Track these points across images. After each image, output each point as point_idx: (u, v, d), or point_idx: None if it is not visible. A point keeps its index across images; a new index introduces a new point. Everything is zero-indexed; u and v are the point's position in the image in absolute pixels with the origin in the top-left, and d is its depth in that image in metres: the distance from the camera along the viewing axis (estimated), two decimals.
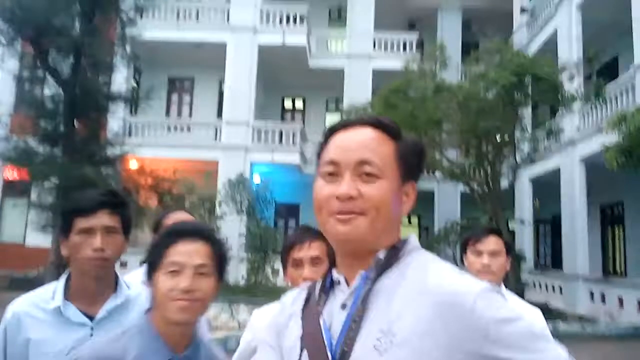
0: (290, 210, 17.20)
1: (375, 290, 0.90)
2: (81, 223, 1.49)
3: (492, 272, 2.05)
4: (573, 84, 9.55)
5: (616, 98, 10.20)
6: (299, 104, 19.03)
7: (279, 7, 16.08)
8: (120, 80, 13.13)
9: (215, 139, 15.44)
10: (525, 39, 14.60)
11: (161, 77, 16.86)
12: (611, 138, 9.83)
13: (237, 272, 10.62)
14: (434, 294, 0.85)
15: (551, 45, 12.83)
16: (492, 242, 2.12)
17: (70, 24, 10.27)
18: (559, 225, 12.98)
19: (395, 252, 0.94)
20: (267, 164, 14.85)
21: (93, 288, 1.53)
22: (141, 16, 11.84)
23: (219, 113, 16.78)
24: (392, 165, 0.94)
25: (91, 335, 1.47)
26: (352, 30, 17.15)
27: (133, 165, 12.60)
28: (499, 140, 9.62)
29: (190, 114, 17.67)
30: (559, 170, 12.47)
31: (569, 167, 12.04)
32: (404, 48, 16.94)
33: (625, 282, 11.11)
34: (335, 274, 0.98)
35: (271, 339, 1.04)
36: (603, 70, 12.28)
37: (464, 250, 2.18)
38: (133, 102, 15.27)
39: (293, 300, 1.05)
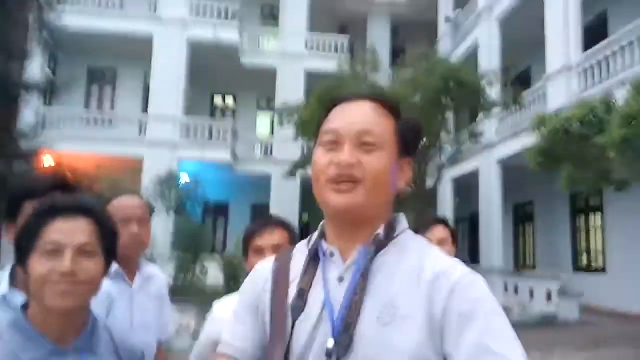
0: (219, 209, 16.87)
1: (374, 266, 0.92)
2: (31, 206, 1.35)
3: None
4: (492, 91, 10.24)
5: (530, 105, 11.08)
6: (229, 101, 18.72)
7: (210, 2, 15.73)
8: (35, 68, 12.16)
9: (140, 134, 14.78)
10: (449, 47, 15.42)
11: (80, 68, 15.89)
12: (527, 141, 10.66)
13: (165, 272, 10.24)
14: (427, 274, 0.90)
15: (472, 53, 13.66)
16: (439, 231, 2.26)
17: None
18: (477, 222, 13.84)
19: (391, 230, 0.97)
20: (197, 162, 14.47)
21: None
22: (60, 1, 11.09)
23: (144, 108, 16.09)
24: (391, 138, 0.96)
25: None
26: (285, 30, 17.17)
27: (49, 160, 11.75)
28: (426, 141, 10.09)
29: (113, 107, 16.78)
30: (478, 171, 13.29)
31: (487, 168, 12.89)
32: (336, 50, 17.23)
33: (535, 275, 12.08)
34: (327, 246, 0.98)
35: (247, 313, 1.02)
36: (517, 79, 13.29)
37: None
38: (49, 92, 14.29)
39: (264, 276, 1.03)
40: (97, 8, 15.13)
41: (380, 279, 0.91)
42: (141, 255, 1.96)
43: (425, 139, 10.60)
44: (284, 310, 0.96)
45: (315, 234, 1.03)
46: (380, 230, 0.95)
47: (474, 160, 13.31)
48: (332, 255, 0.97)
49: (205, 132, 14.92)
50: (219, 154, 14.61)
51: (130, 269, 1.89)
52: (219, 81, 17.50)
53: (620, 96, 4.92)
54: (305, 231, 17.32)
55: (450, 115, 11.05)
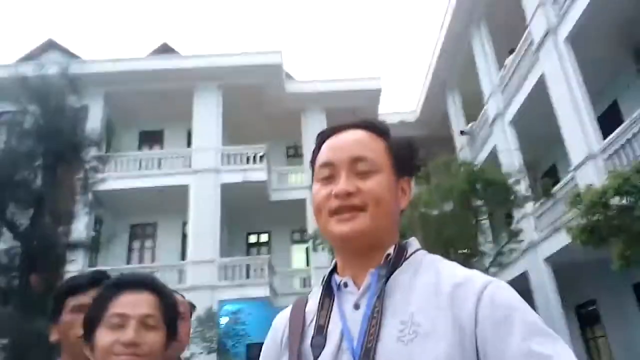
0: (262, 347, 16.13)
1: (389, 286, 0.90)
2: (74, 301, 1.43)
3: None
4: (521, 187, 10.21)
5: (562, 199, 10.87)
6: (264, 237, 19.08)
7: (239, 149, 16.95)
8: (81, 228, 12.92)
9: (180, 280, 14.93)
10: (469, 157, 15.78)
11: (123, 225, 16.76)
12: (567, 237, 10.26)
13: None
14: (449, 280, 0.88)
15: (493, 159, 13.90)
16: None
17: (32, 177, 10.34)
18: None
19: (402, 250, 0.95)
20: (236, 301, 14.30)
21: None
22: (104, 167, 12.15)
23: (183, 255, 16.49)
24: (385, 159, 0.97)
25: None
26: (308, 165, 18.02)
27: None
28: (464, 249, 9.86)
29: (153, 259, 17.25)
30: (526, 273, 12.63)
31: (536, 268, 12.25)
32: None
33: None
34: (339, 278, 0.97)
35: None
36: (545, 176, 13.25)
37: None
38: (93, 250, 14.94)
39: (284, 326, 1.02)
40: (138, 170, 16.43)
41: (397, 299, 0.88)
42: (179, 355, 1.88)
43: (465, 249, 10.37)
44: (302, 350, 0.93)
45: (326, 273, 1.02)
46: (391, 251, 0.94)
47: (519, 264, 12.74)
48: (345, 285, 0.95)
49: (242, 271, 14.98)
50: (257, 291, 14.47)
51: None
52: (253, 219, 18.05)
53: None
54: None
55: (484, 219, 10.90)
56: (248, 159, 16.74)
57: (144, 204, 16.65)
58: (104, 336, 1.11)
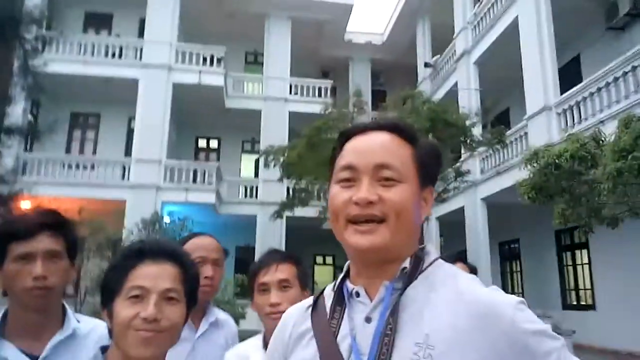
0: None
1: (403, 301, 0.86)
2: (18, 248, 1.29)
3: None
4: (476, 130, 10.49)
5: (511, 144, 11.34)
6: (213, 143, 18.74)
7: (195, 47, 15.98)
8: (17, 112, 12.03)
9: (123, 177, 14.57)
10: (429, 90, 15.85)
11: (63, 112, 15.75)
12: (509, 180, 10.80)
13: None
14: (470, 306, 0.83)
15: (452, 95, 14.05)
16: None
17: None
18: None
19: (418, 262, 0.91)
20: (181, 204, 14.27)
21: (35, 323, 1.32)
22: (44, 48, 11.13)
23: (127, 151, 15.95)
24: (411, 169, 0.91)
25: None
26: (269, 74, 17.48)
27: (28, 205, 11.45)
28: None
29: (95, 152, 16.59)
30: (462, 209, 13.40)
31: (472, 206, 13.01)
32: (319, 94, 17.56)
33: None
34: (351, 285, 0.93)
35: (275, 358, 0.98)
36: (497, 119, 13.65)
37: None
38: (30, 137, 14.09)
39: (294, 321, 0.99)
40: (82, 56, 15.19)
41: (411, 316, 0.85)
42: (210, 300, 1.84)
43: None
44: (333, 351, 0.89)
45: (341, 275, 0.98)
46: (407, 264, 0.89)
47: (459, 199, 13.45)
48: (357, 295, 0.91)
49: (189, 175, 14.79)
50: (203, 196, 14.45)
51: (196, 314, 1.75)
52: (204, 124, 17.58)
53: (608, 132, 5.09)
54: None
55: None
56: (205, 60, 15.86)
57: (88, 93, 15.62)
58: (123, 309, 1.05)
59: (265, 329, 1.56)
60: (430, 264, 0.92)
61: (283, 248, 15.54)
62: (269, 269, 1.54)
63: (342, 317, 0.91)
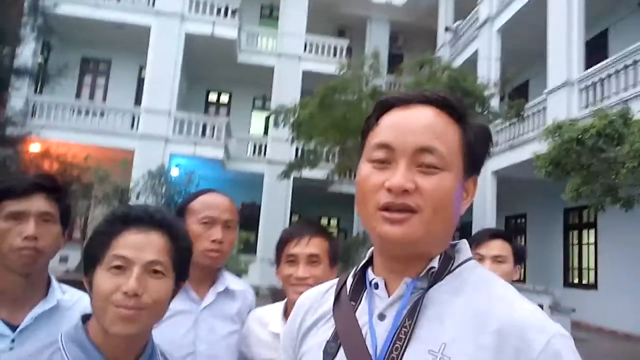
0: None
1: (423, 305, 0.77)
2: (11, 206, 1.22)
3: None
4: (494, 102, 10.20)
5: (527, 118, 11.06)
6: (224, 98, 18.50)
7: None
8: (27, 54, 11.85)
9: (132, 127, 14.49)
10: (447, 56, 15.39)
11: (74, 56, 15.54)
12: (523, 154, 10.59)
13: None
14: (500, 321, 0.72)
15: (472, 64, 13.63)
16: (496, 247, 1.89)
17: None
18: (468, 233, 13.77)
19: (448, 261, 0.80)
20: (188, 157, 14.22)
21: (18, 289, 1.24)
22: None
23: (137, 100, 15.82)
24: (457, 155, 0.79)
25: (11, 348, 1.18)
26: (284, 30, 17.02)
27: (36, 148, 11.44)
28: None
29: (105, 99, 16.46)
30: None
31: (482, 179, 12.84)
32: (334, 53, 17.14)
33: (525, 289, 12.04)
34: (372, 275, 0.84)
35: (287, 351, 0.93)
36: (515, 92, 13.28)
37: None
38: (40, 79, 13.95)
39: (306, 308, 0.92)
40: None
41: (429, 320, 0.75)
42: (219, 266, 1.62)
43: None
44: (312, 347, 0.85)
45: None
46: (436, 263, 0.79)
47: None
48: (376, 286, 0.82)
49: (198, 128, 14.68)
50: (212, 151, 14.38)
51: (203, 283, 1.57)
52: (215, 77, 17.30)
53: (636, 110, 4.88)
54: None
55: None
56: (219, 11, 15.44)
57: (99, 38, 15.38)
58: (103, 280, 0.96)
59: (288, 300, 1.52)
60: (461, 264, 0.81)
61: (289, 208, 15.62)
62: (300, 241, 1.47)
63: (358, 306, 0.83)
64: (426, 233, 0.76)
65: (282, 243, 1.52)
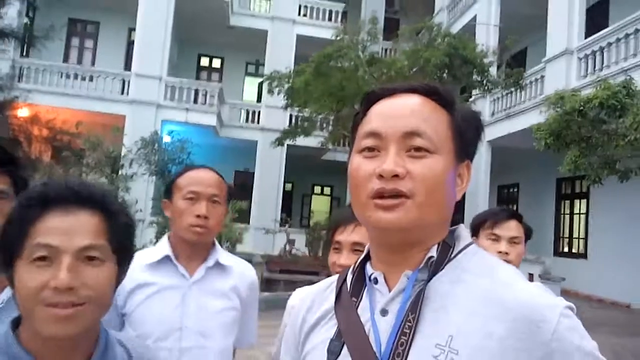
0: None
1: (426, 295, 0.75)
2: None
3: (509, 261, 1.80)
4: (492, 70, 10.05)
5: (525, 87, 10.94)
6: (216, 63, 18.11)
7: None
8: (12, 15, 11.42)
9: (123, 92, 14.18)
10: (445, 21, 15.08)
11: (61, 18, 14.99)
12: (520, 123, 10.53)
13: (145, 237, 9.95)
14: (506, 306, 0.71)
15: (469, 30, 13.37)
16: (512, 228, 1.88)
17: None
18: (462, 201, 13.86)
19: (447, 249, 0.79)
20: (181, 124, 14.01)
21: None
22: None
23: (127, 65, 15.43)
24: (447, 139, 0.78)
25: None
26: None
27: (24, 113, 11.18)
28: None
29: (94, 63, 16.04)
30: None
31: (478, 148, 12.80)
32: (330, 18, 16.73)
33: None
34: (371, 270, 0.83)
35: (290, 350, 0.92)
36: (513, 59, 13.10)
37: (474, 233, 1.94)
38: (26, 41, 13.50)
39: (307, 306, 0.91)
40: None
41: (434, 313, 0.74)
42: (207, 241, 1.59)
43: None
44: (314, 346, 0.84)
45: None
46: (434, 252, 0.77)
47: None
48: (375, 281, 0.81)
49: (190, 94, 14.40)
50: (204, 118, 14.15)
51: (193, 258, 1.55)
52: (207, 41, 16.88)
53: (639, 80, 4.79)
54: (288, 201, 17.17)
55: None
56: None
57: None
58: (27, 277, 0.79)
59: None
60: (461, 250, 0.80)
61: (282, 176, 15.55)
62: (346, 228, 1.43)
63: (359, 303, 0.82)
64: (420, 217, 0.75)
65: (331, 230, 1.49)
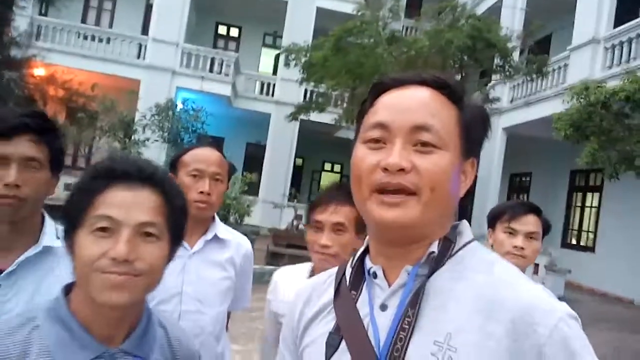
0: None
1: (426, 291, 0.75)
2: None
3: (525, 256, 1.80)
4: (515, 55, 9.82)
5: (547, 75, 10.70)
6: (234, 32, 17.91)
7: None
8: None
9: (139, 57, 14.13)
10: (469, 3, 14.71)
11: None
12: (538, 111, 10.33)
13: None
14: (507, 308, 0.70)
15: (494, 13, 13.04)
16: (530, 223, 1.84)
17: None
18: (472, 187, 13.75)
19: (448, 245, 0.78)
20: (195, 92, 13.96)
21: (5, 236, 1.17)
22: None
23: (144, 29, 15.32)
24: (454, 134, 0.77)
25: None
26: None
27: (41, 72, 11.18)
28: None
29: (111, 25, 15.94)
30: None
31: (492, 134, 12.61)
32: None
33: None
34: (370, 264, 0.82)
35: (287, 344, 0.92)
36: (536, 45, 12.79)
37: (491, 225, 1.91)
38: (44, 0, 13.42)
39: (304, 299, 0.90)
40: None
41: (433, 309, 0.74)
42: (208, 216, 1.71)
43: None
44: (313, 340, 0.84)
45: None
46: (435, 248, 0.77)
47: None
48: (374, 275, 0.80)
49: (206, 62, 14.31)
50: (219, 87, 14.08)
51: (194, 231, 1.66)
52: (225, 10, 16.66)
53: None
54: (297, 176, 17.19)
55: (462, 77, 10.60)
56: None
57: None
58: (86, 245, 0.83)
59: (314, 265, 1.54)
60: (462, 247, 0.79)
61: (294, 150, 15.51)
62: (326, 208, 1.45)
63: (358, 297, 0.82)
64: (423, 215, 0.74)
65: (310, 209, 1.51)
